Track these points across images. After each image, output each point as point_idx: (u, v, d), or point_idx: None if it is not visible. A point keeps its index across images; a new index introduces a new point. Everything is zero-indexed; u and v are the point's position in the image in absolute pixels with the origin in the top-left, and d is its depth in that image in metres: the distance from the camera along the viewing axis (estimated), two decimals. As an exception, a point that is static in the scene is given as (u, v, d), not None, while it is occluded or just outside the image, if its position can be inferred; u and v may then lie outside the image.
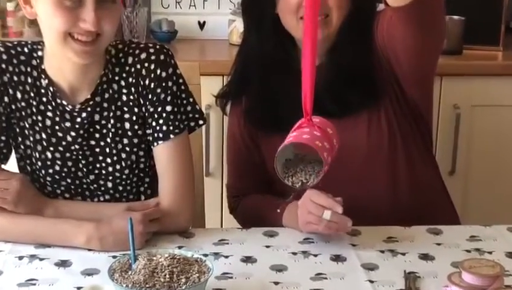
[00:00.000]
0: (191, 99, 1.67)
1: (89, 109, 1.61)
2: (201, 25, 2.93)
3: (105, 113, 1.62)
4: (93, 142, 1.64)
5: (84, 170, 1.65)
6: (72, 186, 1.66)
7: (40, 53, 1.61)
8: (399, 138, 1.79)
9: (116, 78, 1.62)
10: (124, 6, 2.65)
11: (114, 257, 1.45)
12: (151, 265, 1.31)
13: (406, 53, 1.70)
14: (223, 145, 2.61)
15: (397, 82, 1.78)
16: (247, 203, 1.89)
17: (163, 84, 1.61)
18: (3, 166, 1.65)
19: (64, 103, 1.60)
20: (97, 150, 1.64)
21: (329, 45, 1.79)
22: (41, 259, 1.50)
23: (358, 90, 1.77)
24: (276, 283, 1.41)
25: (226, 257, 1.51)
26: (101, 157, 1.64)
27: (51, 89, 1.60)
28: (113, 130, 1.63)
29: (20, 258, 1.50)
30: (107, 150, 1.64)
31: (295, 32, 1.76)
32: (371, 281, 1.41)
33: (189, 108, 1.67)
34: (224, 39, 2.87)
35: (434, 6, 1.63)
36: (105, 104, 1.62)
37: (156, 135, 1.62)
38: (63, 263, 1.48)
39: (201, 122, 1.70)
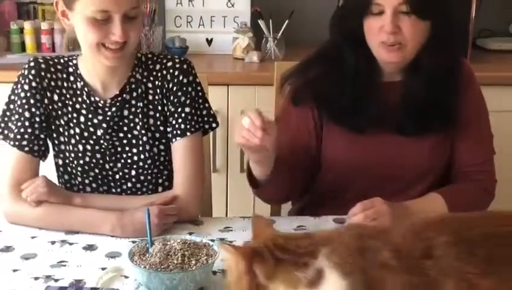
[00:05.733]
0: (206, 105, 1.70)
1: (118, 104, 1.64)
2: (209, 42, 2.93)
3: (133, 109, 1.65)
4: (121, 135, 1.66)
5: (112, 158, 1.66)
6: (99, 176, 1.67)
7: (74, 61, 1.66)
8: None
9: (144, 80, 1.65)
10: (143, 25, 2.65)
11: (133, 242, 1.45)
12: (166, 249, 1.31)
13: None
14: (228, 145, 2.61)
15: None
16: None
17: (184, 88, 1.64)
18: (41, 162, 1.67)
19: (97, 99, 1.63)
20: (125, 141, 1.66)
21: (409, 64, 1.64)
22: (70, 244, 1.50)
23: (441, 115, 1.64)
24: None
25: (231, 241, 1.50)
26: (127, 148, 1.66)
27: (86, 89, 1.63)
28: (140, 123, 1.65)
29: (53, 243, 1.51)
30: (134, 141, 1.65)
31: (375, 53, 1.62)
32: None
33: (204, 112, 1.69)
34: (229, 54, 2.87)
35: None
36: (133, 102, 1.65)
37: (174, 132, 1.64)
38: (90, 247, 1.49)
39: (214, 125, 1.72)
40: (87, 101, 1.64)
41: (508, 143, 2.54)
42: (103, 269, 1.38)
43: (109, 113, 1.64)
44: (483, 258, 0.93)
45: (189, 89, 1.65)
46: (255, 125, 1.42)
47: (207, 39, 2.92)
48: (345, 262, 0.95)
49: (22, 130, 1.62)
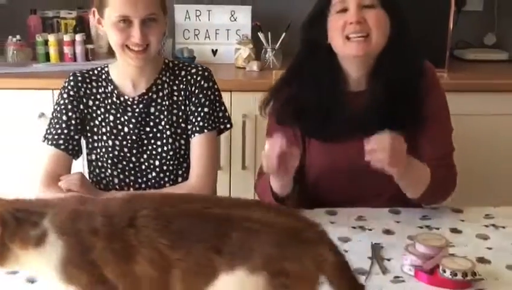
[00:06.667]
0: (222, 108, 1.76)
1: (144, 101, 1.71)
2: (214, 52, 2.94)
3: (159, 107, 1.72)
4: (148, 129, 1.72)
5: (139, 150, 1.71)
6: (127, 168, 1.73)
7: (106, 69, 1.74)
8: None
9: (171, 83, 1.72)
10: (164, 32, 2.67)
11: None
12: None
13: None
14: (231, 145, 2.62)
15: None
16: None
17: (205, 91, 1.71)
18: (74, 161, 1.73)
19: (126, 97, 1.70)
20: (150, 135, 1.72)
21: (371, 70, 1.61)
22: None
23: (406, 118, 1.58)
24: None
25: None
26: (152, 141, 1.72)
27: (116, 91, 1.71)
28: (165, 119, 1.71)
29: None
30: (158, 135, 1.71)
31: (342, 51, 1.58)
32: (345, 251, 1.40)
33: (220, 114, 1.75)
34: (232, 63, 2.88)
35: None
36: (159, 100, 1.72)
37: (194, 128, 1.70)
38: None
39: (228, 126, 1.78)
40: (117, 102, 1.71)
41: (478, 142, 2.57)
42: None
43: (137, 110, 1.71)
44: (176, 232, 0.96)
45: (209, 92, 1.72)
46: (272, 153, 1.40)
47: (212, 50, 2.94)
48: (62, 224, 0.98)
49: (59, 131, 1.69)
